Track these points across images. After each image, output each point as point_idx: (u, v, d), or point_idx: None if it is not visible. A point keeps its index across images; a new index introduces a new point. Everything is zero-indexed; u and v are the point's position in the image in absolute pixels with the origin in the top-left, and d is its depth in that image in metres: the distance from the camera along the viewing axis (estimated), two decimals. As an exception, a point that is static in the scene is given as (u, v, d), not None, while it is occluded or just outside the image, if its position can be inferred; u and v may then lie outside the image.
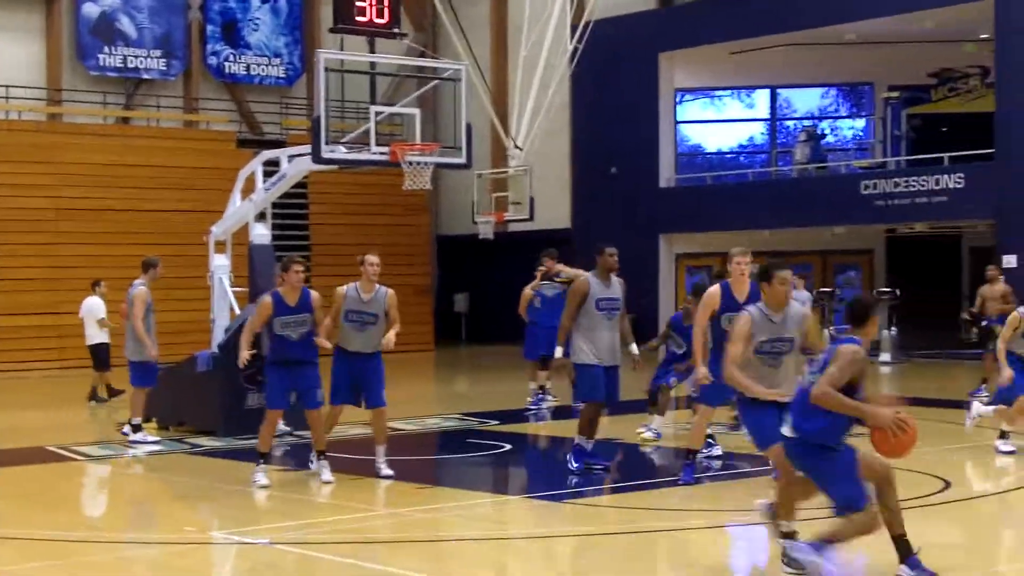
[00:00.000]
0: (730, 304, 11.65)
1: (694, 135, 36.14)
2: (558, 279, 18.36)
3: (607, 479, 12.66)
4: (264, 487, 12.10)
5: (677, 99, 34.51)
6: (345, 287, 12.63)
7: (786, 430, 8.18)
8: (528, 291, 19.58)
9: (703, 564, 9.45)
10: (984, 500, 11.63)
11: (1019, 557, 8.96)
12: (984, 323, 20.51)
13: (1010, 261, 26.35)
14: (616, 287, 12.75)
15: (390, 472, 12.47)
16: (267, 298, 12.45)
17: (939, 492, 11.14)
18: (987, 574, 8.47)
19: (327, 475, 12.39)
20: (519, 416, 18.41)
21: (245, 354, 12.40)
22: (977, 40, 30.14)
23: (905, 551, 8.14)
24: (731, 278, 11.82)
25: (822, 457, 8.07)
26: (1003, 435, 13.75)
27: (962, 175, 27.83)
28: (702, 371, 11.73)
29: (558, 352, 12.82)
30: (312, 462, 12.72)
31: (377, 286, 12.56)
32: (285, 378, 12.29)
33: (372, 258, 12.55)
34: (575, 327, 12.63)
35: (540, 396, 19.35)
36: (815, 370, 8.10)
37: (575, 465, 12.71)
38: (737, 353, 8.95)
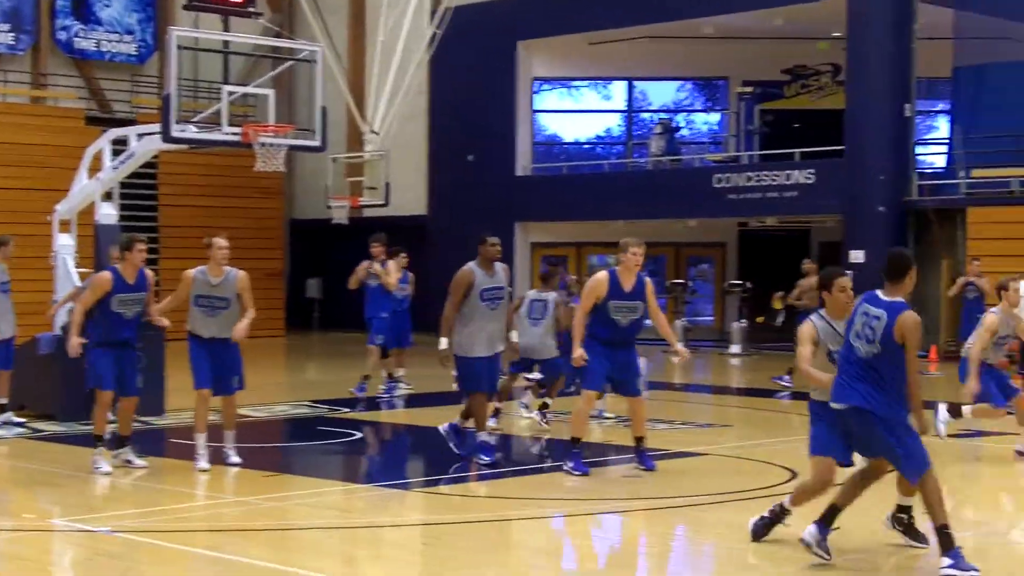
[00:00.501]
0: (617, 292, 11.75)
1: (551, 125, 36.22)
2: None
3: (473, 468, 12.47)
4: (107, 473, 11.78)
5: (535, 88, 34.55)
6: (193, 271, 12.30)
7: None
8: (366, 265, 19.16)
9: (547, 551, 9.41)
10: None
11: (867, 546, 9.07)
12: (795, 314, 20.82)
13: (857, 256, 26.85)
14: (500, 276, 12.59)
15: (238, 459, 12.22)
16: (106, 274, 12.08)
17: (786, 482, 11.24)
18: (837, 561, 8.54)
19: (137, 460, 12.20)
20: (370, 404, 18.24)
21: (76, 342, 11.99)
22: (829, 38, 30.65)
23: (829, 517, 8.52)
24: (620, 267, 11.86)
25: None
26: None
27: (812, 171, 28.29)
28: (578, 352, 11.80)
29: (443, 343, 12.55)
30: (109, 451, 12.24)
31: (227, 269, 12.26)
32: (110, 357, 11.90)
33: (220, 241, 12.24)
34: (457, 317, 12.44)
35: (392, 384, 19.18)
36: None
37: (485, 460, 12.43)
38: (808, 354, 8.86)
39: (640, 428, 12.24)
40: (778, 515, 9.04)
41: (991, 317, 12.53)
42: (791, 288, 21.58)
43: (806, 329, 9.03)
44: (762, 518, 9.09)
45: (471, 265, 12.49)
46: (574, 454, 11.95)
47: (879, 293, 8.25)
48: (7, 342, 15.32)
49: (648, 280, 12.05)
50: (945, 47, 28.72)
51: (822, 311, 9.07)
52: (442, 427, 13.10)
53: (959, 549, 8.05)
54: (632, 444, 12.31)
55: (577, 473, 11.79)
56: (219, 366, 12.22)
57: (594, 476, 12.03)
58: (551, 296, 15.36)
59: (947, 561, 8.04)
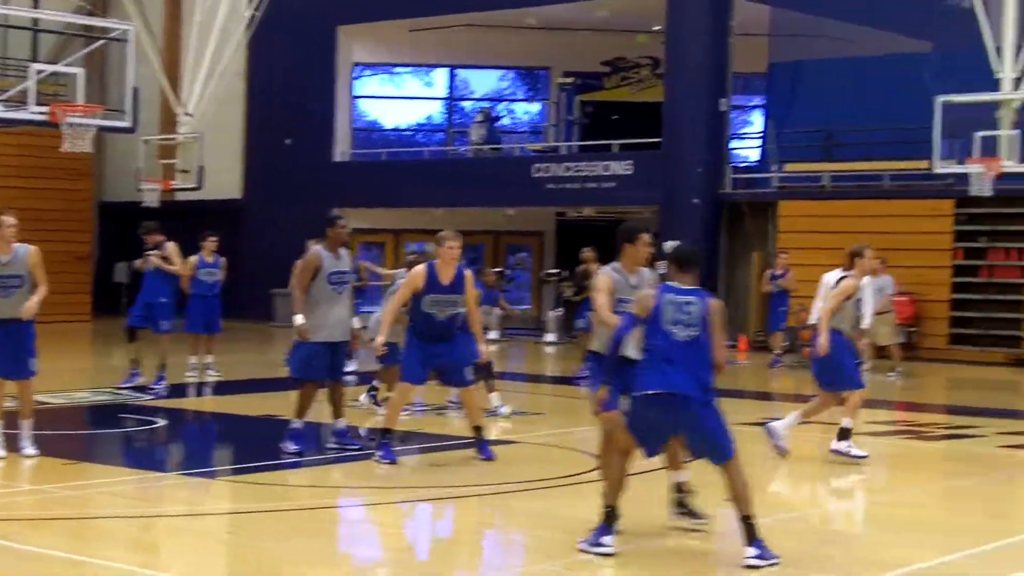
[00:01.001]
0: (434, 286, 11.60)
1: (372, 111, 35.95)
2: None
3: (288, 455, 12.19)
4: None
5: (355, 74, 34.25)
6: None
7: None
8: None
9: (353, 539, 9.26)
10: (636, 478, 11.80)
11: (669, 533, 9.11)
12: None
13: (672, 247, 27.15)
14: (346, 260, 12.35)
15: (34, 451, 11.68)
16: None
17: (591, 471, 11.24)
18: (628, 549, 8.55)
19: None
20: (178, 390, 17.80)
21: None
22: (649, 32, 30.99)
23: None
24: (438, 260, 11.70)
25: None
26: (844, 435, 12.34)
27: (630, 162, 28.57)
28: (379, 340, 11.75)
29: (298, 319, 12.16)
30: None
31: (16, 246, 11.72)
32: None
33: (8, 219, 11.64)
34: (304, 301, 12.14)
35: (162, 377, 17.72)
36: None
37: (292, 448, 12.13)
38: (605, 301, 9.09)
39: (476, 418, 12.13)
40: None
41: (847, 281, 12.40)
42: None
43: (603, 280, 9.26)
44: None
45: (318, 248, 12.23)
46: (383, 444, 11.79)
47: (675, 284, 8.43)
48: None
49: (468, 273, 11.92)
50: (761, 43, 29.25)
51: (616, 264, 9.35)
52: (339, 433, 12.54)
53: (762, 540, 8.11)
54: (473, 435, 12.15)
55: (385, 462, 11.63)
56: (15, 348, 11.70)
57: (408, 465, 11.92)
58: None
59: (751, 551, 8.10)
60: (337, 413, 12.39)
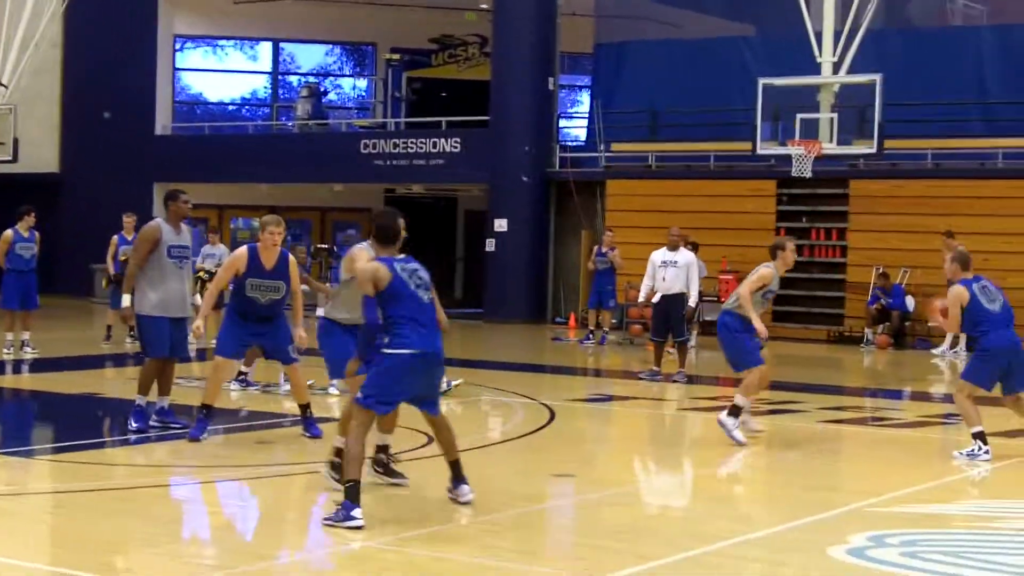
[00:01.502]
0: (256, 270, 11.45)
1: (195, 84, 35.26)
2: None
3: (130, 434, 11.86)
4: None
5: (177, 46, 33.55)
6: None
7: None
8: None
9: (172, 519, 9.06)
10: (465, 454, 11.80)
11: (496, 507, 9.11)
12: None
13: (501, 225, 27.27)
14: (187, 235, 12.04)
15: None
16: None
17: (423, 446, 11.18)
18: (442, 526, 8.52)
19: None
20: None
21: None
22: (477, 10, 30.95)
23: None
24: (260, 245, 11.53)
25: None
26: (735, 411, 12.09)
27: (459, 140, 28.55)
28: (197, 323, 11.54)
29: (125, 300, 11.89)
30: None
31: None
32: None
33: None
34: (141, 275, 11.80)
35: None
36: None
37: (135, 425, 11.81)
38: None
39: (302, 395, 11.92)
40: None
41: (765, 270, 12.48)
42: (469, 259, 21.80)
43: (362, 253, 9.54)
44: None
45: (159, 221, 11.97)
46: (199, 419, 11.54)
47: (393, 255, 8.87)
48: None
49: (292, 258, 11.77)
50: (588, 24, 29.44)
51: (369, 242, 9.56)
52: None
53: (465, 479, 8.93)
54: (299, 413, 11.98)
55: (194, 438, 11.41)
56: None
57: (235, 443, 11.71)
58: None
59: (466, 488, 8.94)
60: (163, 391, 12.11)
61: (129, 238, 19.76)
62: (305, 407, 11.94)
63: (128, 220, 20.15)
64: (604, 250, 22.86)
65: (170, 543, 8.26)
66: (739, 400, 12.11)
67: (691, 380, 17.23)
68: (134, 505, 9.32)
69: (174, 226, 11.98)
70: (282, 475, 10.40)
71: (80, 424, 12.41)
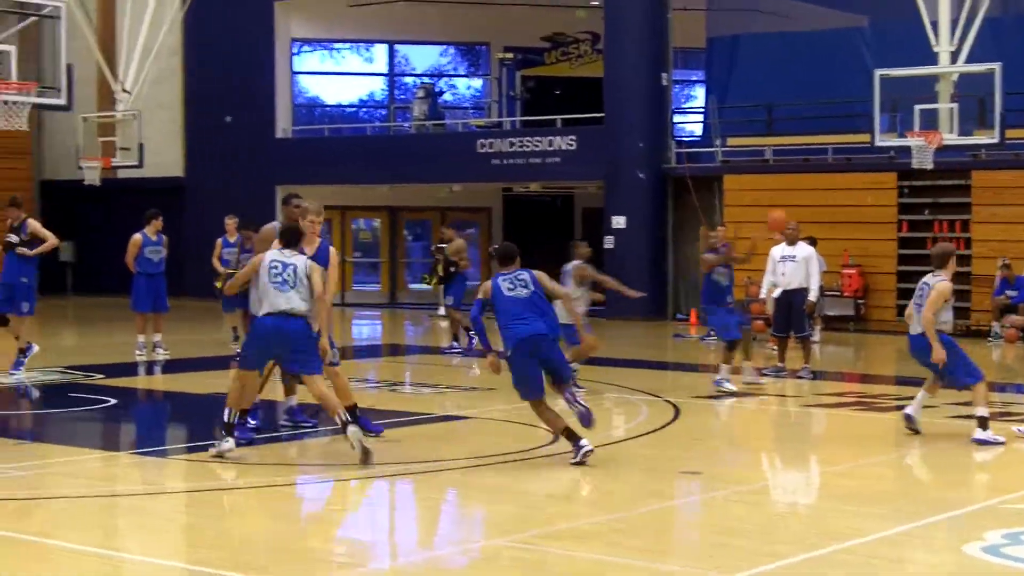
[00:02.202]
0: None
1: (312, 87, 35.73)
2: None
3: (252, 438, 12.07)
4: None
5: (295, 50, 34.02)
6: None
7: None
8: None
9: (314, 518, 9.24)
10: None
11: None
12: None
13: (619, 222, 27.27)
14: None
15: None
16: None
17: (549, 444, 11.26)
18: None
19: None
20: (127, 370, 17.67)
21: None
22: (588, 7, 30.97)
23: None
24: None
25: None
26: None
27: (574, 137, 28.58)
28: (323, 342, 11.35)
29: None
30: None
31: None
32: None
33: None
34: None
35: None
36: None
37: (252, 424, 11.90)
38: None
39: (348, 396, 11.45)
40: None
41: (941, 285, 12.26)
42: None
43: None
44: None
45: (275, 224, 12.08)
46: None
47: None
48: None
49: (333, 249, 11.65)
50: (700, 18, 29.31)
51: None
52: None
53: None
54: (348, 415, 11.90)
55: (377, 432, 11.71)
56: None
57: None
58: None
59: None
60: (289, 391, 12.31)
61: (232, 240, 20.06)
62: (353, 408, 11.35)
63: (230, 223, 20.44)
64: (719, 246, 22.70)
65: (301, 541, 8.43)
66: (984, 411, 12.08)
67: (816, 376, 17.12)
68: (266, 503, 9.53)
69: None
70: (408, 473, 10.54)
71: (211, 424, 12.60)
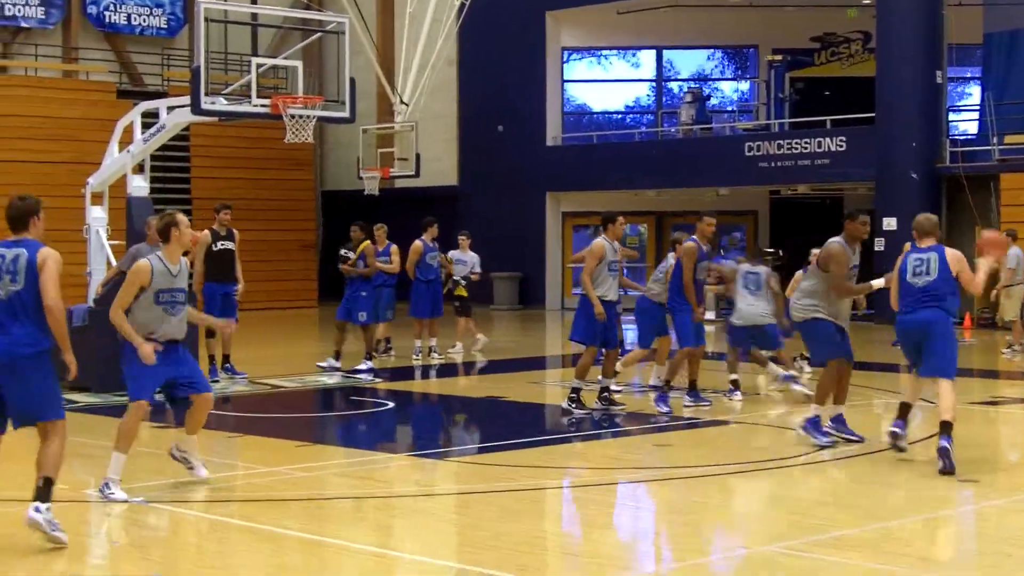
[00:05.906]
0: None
1: (580, 94, 36.09)
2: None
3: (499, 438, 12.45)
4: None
5: (564, 58, 34.43)
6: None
7: None
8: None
9: (578, 521, 9.41)
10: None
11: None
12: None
13: (890, 223, 26.72)
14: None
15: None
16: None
17: (808, 453, 11.19)
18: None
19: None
20: (404, 374, 18.25)
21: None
22: (859, 5, 30.43)
23: None
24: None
25: None
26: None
27: (844, 138, 28.16)
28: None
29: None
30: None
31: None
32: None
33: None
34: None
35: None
36: None
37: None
38: None
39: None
40: None
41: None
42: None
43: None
44: None
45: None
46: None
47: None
48: None
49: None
50: (976, 13, 28.47)
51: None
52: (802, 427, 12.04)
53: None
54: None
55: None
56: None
57: (623, 445, 12.04)
58: (763, 269, 15.79)
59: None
60: (839, 399, 11.92)
61: (431, 243, 19.96)
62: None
63: (431, 231, 19.72)
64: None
65: (574, 543, 8.62)
66: None
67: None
68: (540, 506, 9.75)
69: (849, 245, 11.95)
70: (678, 478, 10.64)
71: (487, 427, 12.97)
